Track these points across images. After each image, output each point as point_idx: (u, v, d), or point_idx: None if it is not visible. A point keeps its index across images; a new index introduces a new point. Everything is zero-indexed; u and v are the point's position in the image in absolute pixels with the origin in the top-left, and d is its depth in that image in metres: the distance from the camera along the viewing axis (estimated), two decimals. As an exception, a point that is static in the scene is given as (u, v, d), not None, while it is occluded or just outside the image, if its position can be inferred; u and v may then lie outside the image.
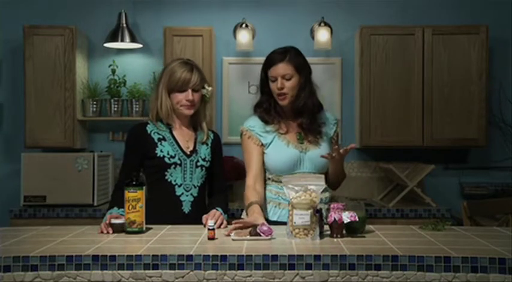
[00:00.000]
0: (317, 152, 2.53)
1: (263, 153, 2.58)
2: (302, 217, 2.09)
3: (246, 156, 2.60)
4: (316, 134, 2.58)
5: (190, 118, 2.64)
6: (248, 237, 2.11)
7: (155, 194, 2.54)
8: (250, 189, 2.53)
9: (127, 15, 4.26)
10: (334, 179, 2.63)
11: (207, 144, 2.65)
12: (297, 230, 2.10)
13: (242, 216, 2.68)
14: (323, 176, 2.30)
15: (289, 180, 2.20)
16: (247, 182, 2.57)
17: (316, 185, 2.16)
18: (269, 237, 2.11)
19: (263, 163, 2.58)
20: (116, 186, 2.57)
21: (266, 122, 2.59)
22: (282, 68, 2.51)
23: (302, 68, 2.55)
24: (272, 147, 2.56)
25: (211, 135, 2.70)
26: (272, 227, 2.15)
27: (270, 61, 2.55)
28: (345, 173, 2.67)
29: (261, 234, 2.11)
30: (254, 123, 2.61)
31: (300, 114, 2.58)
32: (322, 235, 2.13)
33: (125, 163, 2.60)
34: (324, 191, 2.57)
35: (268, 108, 2.60)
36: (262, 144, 2.58)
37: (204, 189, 2.68)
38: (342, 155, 2.44)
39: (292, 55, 2.54)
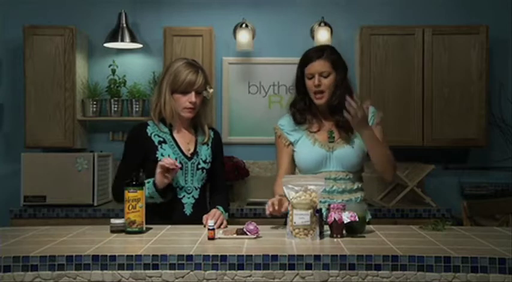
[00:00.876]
0: (346, 151, 2.51)
1: (293, 152, 2.60)
2: (302, 217, 2.09)
3: (277, 154, 2.65)
4: (349, 131, 2.55)
5: (191, 119, 2.63)
6: (234, 235, 2.13)
7: None
8: (279, 185, 2.49)
9: (127, 15, 4.26)
10: (376, 160, 2.53)
11: (208, 145, 2.65)
12: (297, 230, 2.09)
13: None
14: (323, 176, 2.28)
15: (288, 180, 2.20)
16: (277, 179, 2.58)
17: (316, 185, 2.16)
18: (255, 236, 2.12)
19: (293, 162, 2.61)
20: (119, 184, 2.47)
21: (298, 122, 2.60)
22: (319, 65, 2.51)
23: (339, 66, 2.56)
24: (299, 145, 2.58)
25: (212, 134, 2.69)
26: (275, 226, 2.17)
27: (307, 59, 2.55)
28: (387, 152, 2.56)
29: (248, 233, 2.12)
30: (285, 122, 2.64)
31: (335, 112, 2.56)
32: (322, 235, 2.13)
33: (125, 162, 2.59)
34: (357, 190, 2.58)
35: (302, 107, 2.60)
36: (290, 143, 2.60)
37: (205, 190, 2.68)
38: (358, 114, 2.37)
39: (328, 52, 2.55)
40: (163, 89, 2.55)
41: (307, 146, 2.56)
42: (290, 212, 2.14)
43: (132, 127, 2.69)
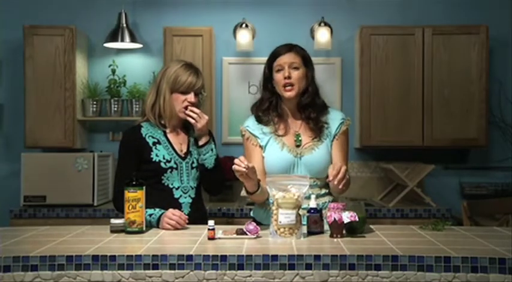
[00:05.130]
0: (313, 157, 2.46)
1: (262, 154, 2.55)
2: (288, 216, 2.10)
3: (247, 156, 2.55)
4: (316, 134, 2.50)
5: (185, 120, 2.64)
6: (234, 235, 2.13)
7: (153, 198, 2.46)
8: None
9: (127, 15, 4.26)
10: (335, 188, 2.41)
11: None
12: (282, 229, 2.10)
13: (252, 214, 2.66)
14: (307, 176, 2.27)
15: (273, 180, 2.19)
16: None
17: (300, 185, 2.16)
18: (255, 236, 2.12)
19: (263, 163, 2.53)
20: (119, 194, 2.44)
21: (262, 123, 2.53)
22: (288, 57, 2.47)
23: (308, 62, 2.52)
24: (268, 149, 2.52)
25: None
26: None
27: (276, 53, 2.51)
28: (348, 181, 2.42)
29: (247, 233, 2.12)
30: (250, 124, 2.58)
31: (305, 111, 2.52)
32: (322, 235, 2.14)
33: (122, 169, 2.57)
34: (324, 195, 2.53)
35: (268, 107, 2.53)
36: (260, 146, 2.54)
37: (201, 190, 2.69)
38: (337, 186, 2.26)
39: (298, 48, 2.52)
40: (162, 89, 2.59)
41: (275, 151, 2.49)
42: (275, 211, 2.14)
43: (125, 130, 2.70)
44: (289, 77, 2.45)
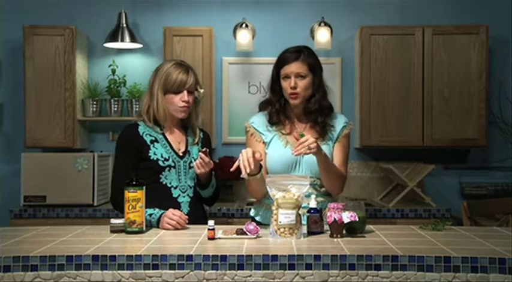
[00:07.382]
0: (315, 157, 2.44)
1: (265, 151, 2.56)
2: (288, 216, 2.10)
3: None
4: (320, 135, 2.52)
5: (182, 120, 2.65)
6: (234, 235, 2.13)
7: (152, 197, 2.46)
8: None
9: (127, 15, 4.26)
10: (324, 178, 2.47)
11: (198, 145, 2.67)
12: (282, 229, 2.11)
13: (252, 214, 2.67)
14: (308, 176, 2.28)
15: (273, 180, 2.19)
16: None
17: (301, 185, 2.17)
18: (255, 236, 2.12)
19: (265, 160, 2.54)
20: (117, 190, 2.45)
21: (273, 122, 2.57)
22: (295, 67, 2.48)
23: (316, 68, 2.53)
24: (271, 146, 2.55)
25: (201, 134, 2.71)
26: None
27: (284, 60, 2.52)
28: (339, 172, 2.51)
29: (248, 233, 2.12)
30: (258, 120, 2.60)
31: (311, 116, 2.55)
32: (322, 235, 2.13)
33: (120, 165, 2.56)
34: (323, 195, 2.53)
35: (277, 109, 2.56)
36: (264, 142, 2.57)
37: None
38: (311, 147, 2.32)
39: (306, 55, 2.52)
40: (155, 91, 2.58)
41: (279, 148, 2.52)
42: (275, 211, 2.14)
43: (123, 128, 2.69)
44: (294, 87, 2.48)
